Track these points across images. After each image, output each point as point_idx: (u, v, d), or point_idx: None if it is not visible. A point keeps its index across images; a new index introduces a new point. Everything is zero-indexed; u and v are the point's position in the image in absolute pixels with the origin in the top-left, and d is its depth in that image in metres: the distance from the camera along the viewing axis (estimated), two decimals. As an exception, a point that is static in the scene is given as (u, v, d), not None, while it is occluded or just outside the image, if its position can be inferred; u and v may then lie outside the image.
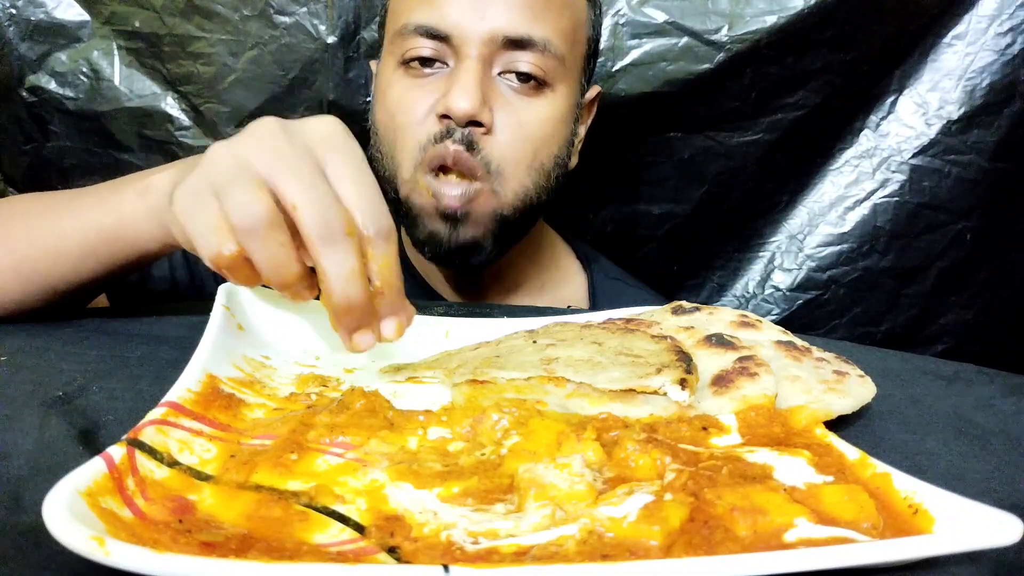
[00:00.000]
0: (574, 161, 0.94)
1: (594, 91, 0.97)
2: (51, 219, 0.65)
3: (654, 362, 0.54)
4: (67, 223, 0.64)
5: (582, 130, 0.95)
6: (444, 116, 0.81)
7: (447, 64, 0.84)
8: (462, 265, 0.88)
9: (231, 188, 0.47)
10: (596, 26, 0.93)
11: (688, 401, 0.50)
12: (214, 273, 0.86)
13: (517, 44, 0.82)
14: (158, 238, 0.61)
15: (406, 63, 0.85)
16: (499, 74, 0.83)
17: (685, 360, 0.54)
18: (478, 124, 0.81)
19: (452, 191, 0.82)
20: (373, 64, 0.98)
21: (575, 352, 0.56)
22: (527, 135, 0.84)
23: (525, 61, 0.83)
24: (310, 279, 0.50)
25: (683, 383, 0.50)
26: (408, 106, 0.84)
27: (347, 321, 0.51)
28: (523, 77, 0.83)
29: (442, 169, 0.82)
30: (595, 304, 1.02)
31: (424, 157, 0.82)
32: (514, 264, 0.96)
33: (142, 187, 0.61)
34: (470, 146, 0.81)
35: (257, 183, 0.47)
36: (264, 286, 0.53)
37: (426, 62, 0.84)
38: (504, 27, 0.81)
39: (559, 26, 0.85)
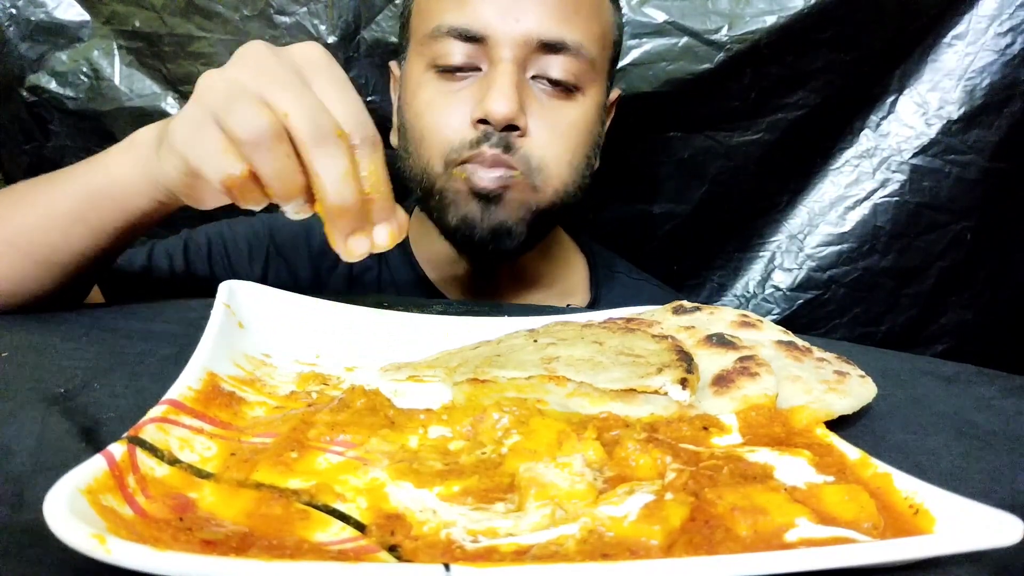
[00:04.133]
0: (596, 163, 0.94)
1: (615, 93, 0.97)
2: (41, 190, 0.66)
3: (655, 362, 0.54)
4: (57, 191, 0.65)
5: (604, 132, 0.96)
6: (481, 121, 0.81)
7: (479, 69, 0.83)
8: (493, 252, 0.87)
9: (232, 108, 0.49)
10: (619, 29, 0.94)
11: (689, 401, 0.50)
12: (211, 267, 0.85)
13: (551, 48, 0.82)
14: (146, 192, 0.61)
15: (437, 68, 0.84)
16: (532, 78, 0.83)
17: (686, 360, 0.54)
18: (514, 128, 0.81)
19: (488, 174, 0.82)
20: (394, 65, 0.98)
21: (576, 351, 0.56)
22: (561, 136, 0.85)
23: (557, 66, 0.83)
24: (309, 193, 0.52)
25: (684, 383, 0.50)
26: (440, 109, 0.84)
27: (341, 224, 0.52)
28: (555, 82, 0.84)
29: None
30: (596, 296, 1.02)
31: (458, 157, 0.82)
32: (530, 263, 0.96)
33: (126, 144, 0.63)
34: (507, 148, 0.81)
35: (255, 99, 0.50)
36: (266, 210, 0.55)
37: (458, 68, 0.83)
38: (538, 30, 0.81)
39: (590, 29, 0.85)
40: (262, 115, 0.49)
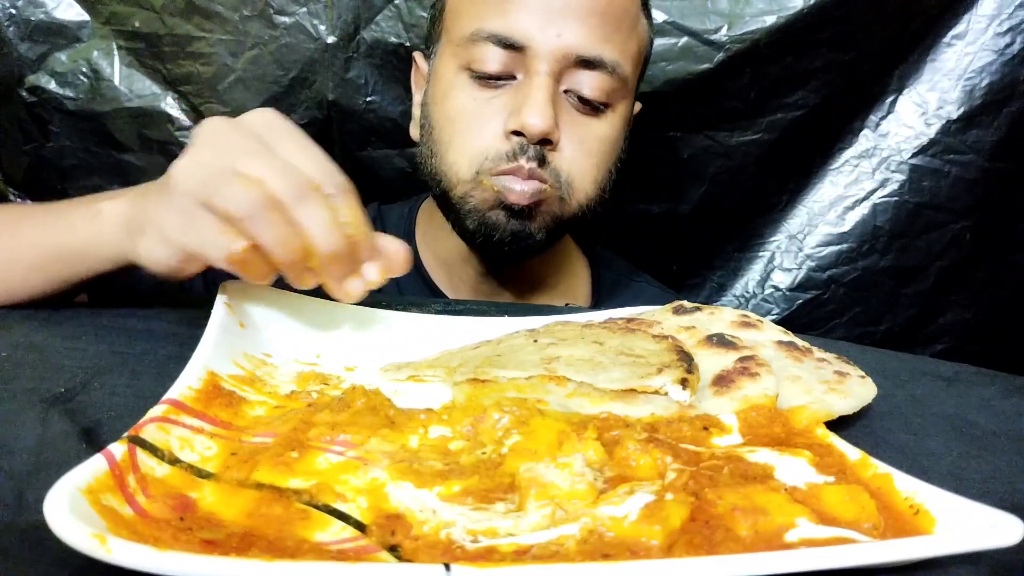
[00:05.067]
0: (616, 175, 0.94)
1: (637, 106, 0.98)
2: (8, 231, 0.67)
3: (655, 362, 0.54)
4: (24, 239, 0.66)
5: (626, 145, 0.96)
6: (515, 133, 0.81)
7: (515, 77, 0.83)
8: (511, 253, 0.87)
9: (217, 190, 0.51)
10: (651, 44, 0.95)
11: (689, 401, 0.50)
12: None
13: (587, 63, 0.82)
14: (108, 258, 0.62)
15: (473, 73, 0.84)
16: (564, 91, 0.84)
17: (686, 360, 0.54)
18: (547, 142, 0.81)
19: (521, 187, 0.82)
20: (419, 56, 0.98)
21: (576, 352, 0.56)
22: (589, 152, 0.86)
23: (591, 83, 0.83)
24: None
25: (684, 383, 0.50)
26: (473, 117, 0.84)
27: (334, 270, 0.54)
28: (586, 100, 0.84)
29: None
30: (598, 299, 1.02)
31: (493, 168, 0.82)
32: (534, 265, 0.96)
33: (92, 212, 0.62)
34: (542, 161, 0.82)
35: (232, 174, 0.51)
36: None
37: (494, 75, 0.83)
38: (578, 46, 0.81)
39: (627, 47, 0.86)
40: (252, 189, 0.50)
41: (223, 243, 0.51)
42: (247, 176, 0.51)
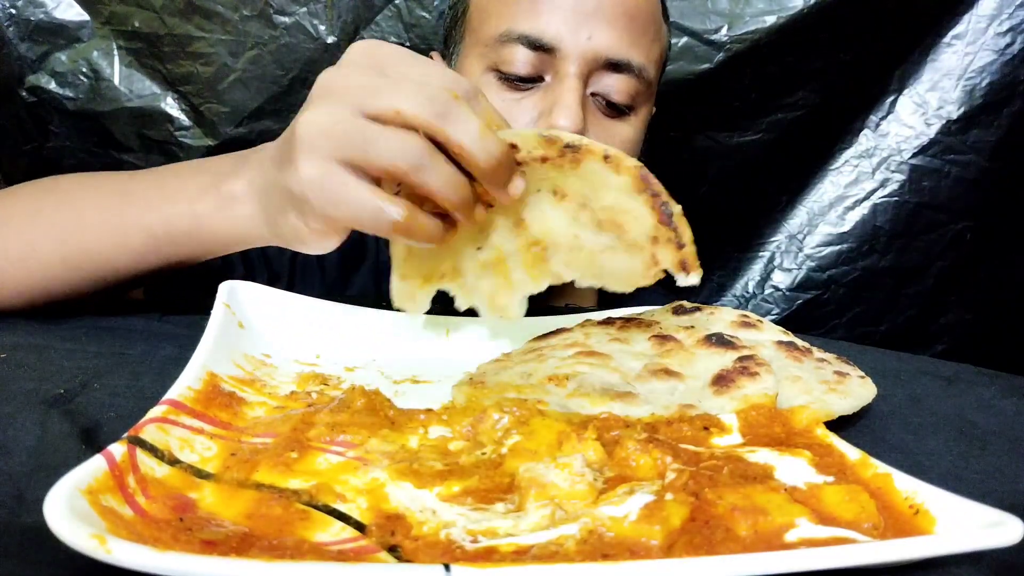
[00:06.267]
0: None
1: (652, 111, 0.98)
2: (110, 210, 0.62)
3: (640, 235, 0.54)
4: (131, 217, 0.61)
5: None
6: None
7: (543, 79, 0.83)
8: None
9: (366, 147, 0.46)
10: (669, 49, 0.96)
11: (698, 281, 0.52)
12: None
13: (615, 67, 0.82)
14: (244, 241, 0.59)
15: (500, 74, 0.84)
16: (591, 94, 0.84)
17: (666, 219, 0.53)
18: None
19: None
20: (437, 56, 0.97)
21: (550, 218, 0.56)
22: None
23: (618, 86, 0.83)
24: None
25: (683, 266, 0.51)
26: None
27: (496, 177, 0.49)
28: (612, 103, 0.84)
29: None
30: (606, 303, 1.02)
31: None
32: None
33: (224, 196, 0.58)
34: None
35: (374, 122, 0.46)
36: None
37: (523, 77, 0.83)
38: (608, 48, 0.81)
39: (652, 52, 0.86)
40: (407, 137, 0.46)
41: (383, 214, 0.47)
42: (381, 115, 0.46)
